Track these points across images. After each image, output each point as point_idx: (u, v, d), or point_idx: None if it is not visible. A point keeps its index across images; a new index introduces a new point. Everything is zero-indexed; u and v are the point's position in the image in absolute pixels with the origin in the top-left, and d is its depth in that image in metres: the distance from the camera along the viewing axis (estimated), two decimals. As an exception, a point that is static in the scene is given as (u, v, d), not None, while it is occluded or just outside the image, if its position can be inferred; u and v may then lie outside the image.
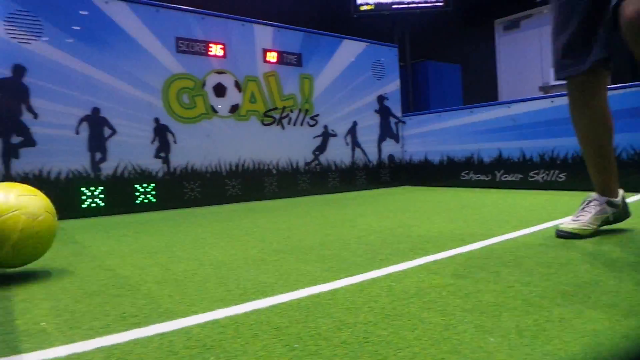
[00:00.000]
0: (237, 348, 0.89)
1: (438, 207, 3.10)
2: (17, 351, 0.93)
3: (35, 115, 3.08)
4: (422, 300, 1.13)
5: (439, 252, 1.69)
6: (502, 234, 2.01)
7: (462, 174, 4.71)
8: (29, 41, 3.06)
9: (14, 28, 3.00)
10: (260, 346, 0.90)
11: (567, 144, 3.85)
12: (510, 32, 7.85)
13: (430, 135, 5.05)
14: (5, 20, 2.97)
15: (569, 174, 3.87)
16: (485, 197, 3.66)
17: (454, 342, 0.87)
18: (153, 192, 3.58)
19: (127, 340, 0.96)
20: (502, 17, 7.85)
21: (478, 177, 4.57)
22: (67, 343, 0.96)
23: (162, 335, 0.98)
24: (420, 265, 1.50)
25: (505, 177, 4.34)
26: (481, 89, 7.79)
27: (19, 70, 3.02)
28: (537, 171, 4.10)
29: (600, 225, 1.86)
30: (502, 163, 4.36)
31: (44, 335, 1.01)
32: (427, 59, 6.79)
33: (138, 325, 1.04)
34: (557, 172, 3.96)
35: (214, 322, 1.05)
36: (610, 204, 1.85)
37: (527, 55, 7.59)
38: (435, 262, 1.54)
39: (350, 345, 0.88)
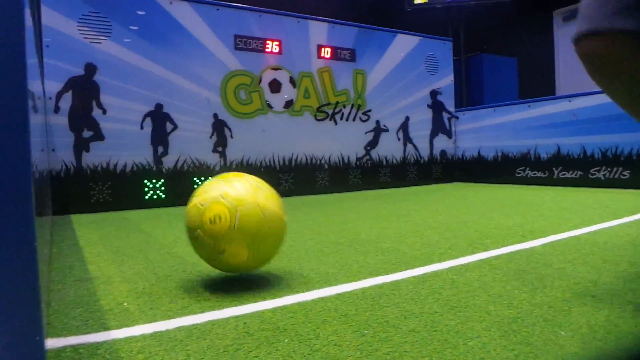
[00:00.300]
0: (309, 332, 0.94)
1: (493, 204, 3.05)
2: (106, 328, 1.01)
3: (105, 111, 3.27)
4: (488, 294, 1.14)
5: (499, 247, 1.68)
6: (564, 231, 1.96)
7: (518, 171, 4.58)
8: (100, 41, 3.24)
9: (86, 29, 3.19)
10: (330, 331, 0.94)
11: (632, 139, 3.67)
12: (570, 22, 7.51)
13: (484, 130, 4.94)
14: (79, 22, 3.16)
15: (633, 172, 3.69)
16: (543, 194, 3.56)
17: (523, 334, 0.88)
18: (210, 185, 3.70)
19: (205, 321, 1.03)
20: (562, 8, 7.54)
21: (534, 173, 4.43)
22: (149, 322, 1.04)
23: (236, 317, 1.04)
24: (481, 260, 1.49)
25: (564, 174, 4.19)
26: (538, 82, 7.51)
27: (90, 68, 3.21)
28: (598, 168, 3.94)
29: None
30: (560, 159, 4.22)
31: (127, 314, 1.09)
32: (482, 52, 6.62)
33: (212, 308, 1.11)
34: (620, 169, 3.78)
35: (283, 307, 1.10)
36: None
37: (588, 47, 7.24)
38: (496, 257, 1.53)
39: (419, 333, 0.91)
